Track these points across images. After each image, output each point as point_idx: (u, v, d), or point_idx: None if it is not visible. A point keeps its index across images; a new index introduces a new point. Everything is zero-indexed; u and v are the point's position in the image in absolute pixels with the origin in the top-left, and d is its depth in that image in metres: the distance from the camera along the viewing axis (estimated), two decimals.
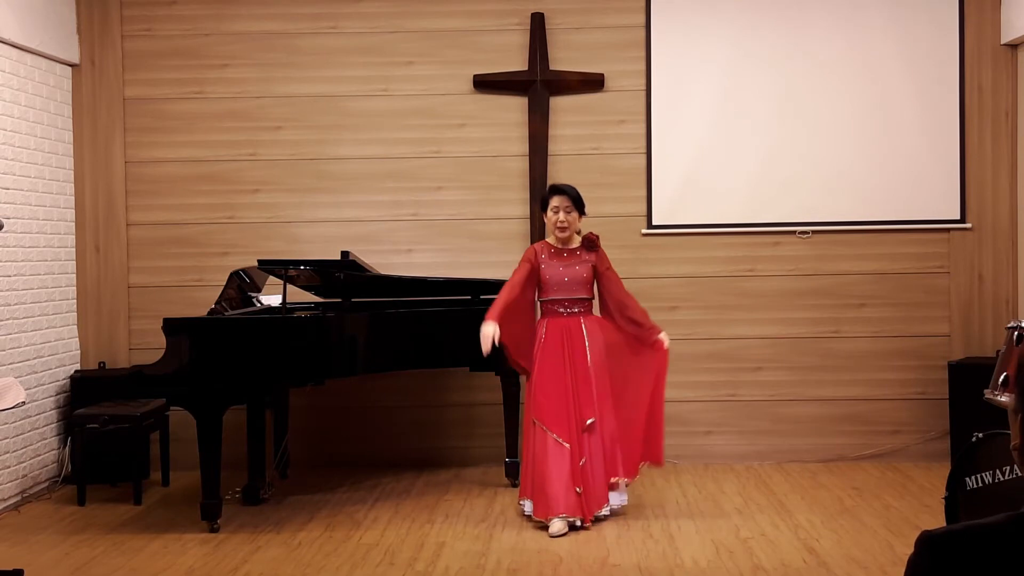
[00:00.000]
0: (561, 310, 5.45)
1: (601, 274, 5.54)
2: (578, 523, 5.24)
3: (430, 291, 6.25)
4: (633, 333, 5.51)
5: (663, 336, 5.47)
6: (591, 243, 5.51)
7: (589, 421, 5.32)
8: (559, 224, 5.45)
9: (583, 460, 5.28)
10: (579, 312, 5.46)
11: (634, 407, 5.46)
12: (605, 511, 5.37)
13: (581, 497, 5.26)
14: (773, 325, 6.80)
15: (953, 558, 1.66)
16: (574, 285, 5.45)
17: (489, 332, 5.19)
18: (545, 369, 5.37)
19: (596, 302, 5.60)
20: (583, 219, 5.54)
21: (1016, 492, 4.13)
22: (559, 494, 5.21)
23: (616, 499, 5.45)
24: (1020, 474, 1.81)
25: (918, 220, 6.75)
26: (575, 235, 5.52)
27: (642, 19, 6.77)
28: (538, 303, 5.61)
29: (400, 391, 6.77)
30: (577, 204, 5.47)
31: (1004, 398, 4.19)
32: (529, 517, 5.38)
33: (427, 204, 6.83)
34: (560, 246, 5.50)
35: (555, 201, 5.46)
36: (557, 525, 5.17)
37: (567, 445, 5.27)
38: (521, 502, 5.47)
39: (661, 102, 6.76)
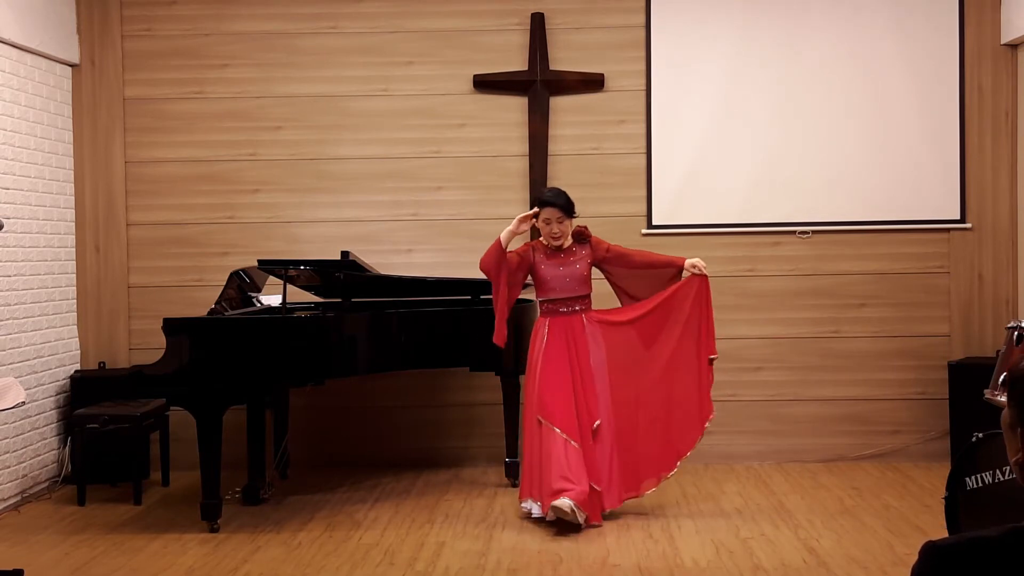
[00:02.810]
0: (563, 309, 5.47)
1: (605, 259, 5.54)
2: (582, 521, 5.19)
3: (430, 291, 6.25)
4: (670, 283, 5.51)
5: (688, 265, 5.47)
6: (581, 236, 5.53)
7: (596, 424, 5.34)
8: (552, 235, 5.47)
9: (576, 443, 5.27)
10: (580, 310, 5.48)
11: (683, 381, 5.46)
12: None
13: (599, 495, 5.26)
14: (773, 325, 6.80)
15: (956, 569, 1.69)
16: (573, 283, 5.48)
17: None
18: (549, 369, 5.36)
19: (607, 299, 5.61)
20: (575, 219, 5.54)
21: (1016, 492, 4.13)
22: (571, 489, 5.15)
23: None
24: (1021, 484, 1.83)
25: (918, 220, 6.75)
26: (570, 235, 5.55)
27: (642, 19, 6.77)
28: (537, 303, 5.62)
29: (400, 391, 6.77)
30: (567, 211, 5.47)
31: (1004, 398, 4.19)
32: (537, 519, 5.34)
33: (427, 204, 6.83)
34: (565, 246, 5.53)
35: (545, 213, 5.46)
36: (566, 502, 5.09)
37: (575, 444, 5.25)
38: (523, 504, 5.43)
39: (661, 102, 6.76)
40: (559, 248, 5.50)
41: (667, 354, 5.47)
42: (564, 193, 5.52)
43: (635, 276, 5.59)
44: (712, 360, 5.48)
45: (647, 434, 5.45)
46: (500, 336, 5.50)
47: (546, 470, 5.25)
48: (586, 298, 5.52)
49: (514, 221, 5.45)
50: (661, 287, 5.53)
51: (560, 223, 5.45)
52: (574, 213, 5.51)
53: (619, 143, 6.80)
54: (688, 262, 5.49)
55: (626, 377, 5.45)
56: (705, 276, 5.48)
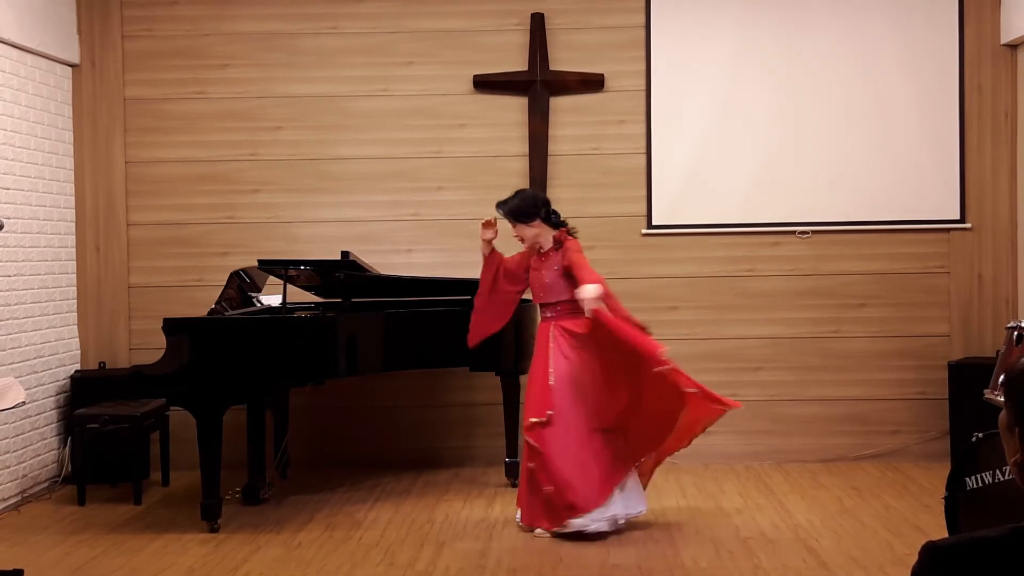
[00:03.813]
0: (543, 314, 5.40)
1: (567, 268, 5.23)
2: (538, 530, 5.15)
3: (430, 291, 6.25)
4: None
5: (577, 296, 5.01)
6: (558, 242, 5.32)
7: (531, 420, 5.12)
8: (518, 240, 5.39)
9: (532, 465, 5.13)
10: (550, 317, 5.31)
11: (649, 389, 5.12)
12: (600, 523, 5.07)
13: (546, 499, 5.07)
14: (773, 325, 6.80)
15: (956, 569, 1.69)
16: (541, 290, 5.35)
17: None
18: (532, 376, 5.35)
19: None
20: (536, 221, 5.30)
21: (1016, 492, 4.13)
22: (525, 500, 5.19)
23: (622, 508, 5.15)
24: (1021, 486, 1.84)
25: (918, 220, 6.75)
26: (548, 238, 5.33)
27: (642, 19, 6.77)
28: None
29: (400, 391, 6.77)
30: (514, 216, 5.29)
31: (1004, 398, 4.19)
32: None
33: (427, 204, 6.83)
34: (543, 250, 5.37)
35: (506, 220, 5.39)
36: (540, 531, 5.16)
37: (534, 444, 5.12)
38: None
39: (661, 102, 6.76)
40: (541, 252, 5.35)
41: (620, 365, 5.11)
42: (524, 197, 5.32)
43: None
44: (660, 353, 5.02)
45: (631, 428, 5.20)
46: (471, 336, 5.59)
47: (522, 480, 5.27)
48: (556, 306, 5.28)
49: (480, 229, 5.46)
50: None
51: (515, 227, 5.33)
52: (528, 217, 5.25)
53: (619, 143, 6.80)
54: (576, 293, 5.03)
55: (588, 387, 5.18)
56: (594, 313, 4.95)
